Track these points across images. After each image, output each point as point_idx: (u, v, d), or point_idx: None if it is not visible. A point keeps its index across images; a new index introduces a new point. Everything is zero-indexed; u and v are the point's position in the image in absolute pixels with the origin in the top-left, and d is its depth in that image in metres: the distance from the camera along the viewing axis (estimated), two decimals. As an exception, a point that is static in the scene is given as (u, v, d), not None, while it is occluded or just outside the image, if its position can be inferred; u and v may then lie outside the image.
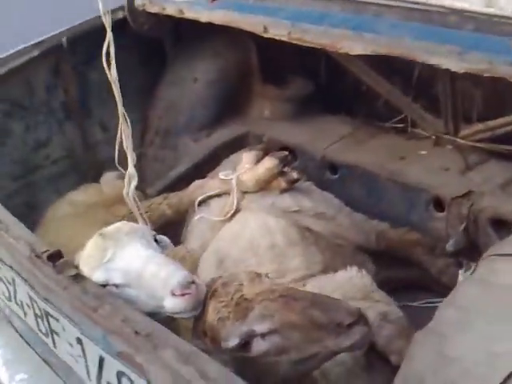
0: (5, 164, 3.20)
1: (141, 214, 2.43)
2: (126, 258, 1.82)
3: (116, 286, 1.80)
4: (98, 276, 1.81)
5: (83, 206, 2.86)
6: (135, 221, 2.44)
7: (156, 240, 1.97)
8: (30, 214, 3.12)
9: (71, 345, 1.81)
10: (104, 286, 1.80)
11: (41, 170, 3.36)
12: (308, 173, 3.15)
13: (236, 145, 3.42)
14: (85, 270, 1.85)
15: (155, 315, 1.79)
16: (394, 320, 2.18)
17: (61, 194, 3.16)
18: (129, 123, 2.31)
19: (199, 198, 2.80)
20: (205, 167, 3.25)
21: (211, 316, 1.65)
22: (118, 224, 1.98)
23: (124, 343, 1.56)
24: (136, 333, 1.55)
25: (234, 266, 2.38)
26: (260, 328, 1.56)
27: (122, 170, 2.38)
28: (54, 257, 1.83)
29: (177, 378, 1.42)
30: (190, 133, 3.60)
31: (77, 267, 1.86)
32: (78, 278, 1.77)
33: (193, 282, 1.71)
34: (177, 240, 2.87)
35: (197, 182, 2.94)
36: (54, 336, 1.90)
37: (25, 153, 3.30)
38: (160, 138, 3.69)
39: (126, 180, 2.33)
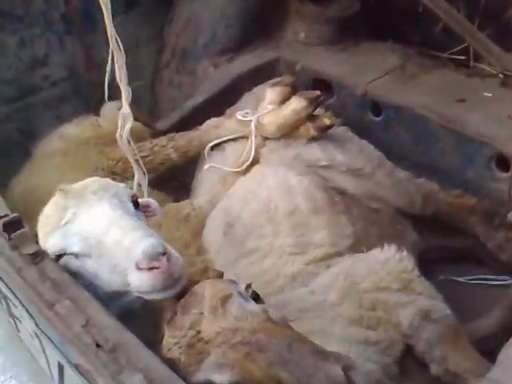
0: (-5, 84, 2.78)
1: (136, 160, 2.01)
2: (87, 221, 1.41)
3: (75, 255, 1.42)
4: (53, 243, 1.43)
5: (75, 142, 2.44)
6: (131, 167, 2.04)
7: (135, 203, 1.55)
8: (24, 142, 2.79)
9: (31, 336, 1.47)
10: (60, 256, 1.43)
11: (38, 92, 2.94)
12: (345, 112, 2.68)
13: (263, 73, 2.92)
14: (40, 234, 1.48)
15: (123, 297, 1.42)
16: (438, 319, 1.75)
17: (61, 121, 2.76)
18: (122, 50, 1.84)
19: (211, 144, 2.35)
20: (224, 99, 2.77)
21: (165, 347, 1.27)
22: (88, 180, 1.57)
23: (82, 356, 1.19)
24: (97, 346, 1.18)
25: (244, 233, 1.98)
26: (218, 378, 1.19)
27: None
28: (11, 226, 1.45)
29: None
30: (210, 56, 3.10)
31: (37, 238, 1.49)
32: (37, 257, 1.39)
33: (163, 254, 1.30)
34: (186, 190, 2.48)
35: (211, 122, 2.47)
36: (16, 321, 1.57)
37: (19, 72, 2.87)
38: (177, 61, 3.21)
39: (119, 121, 1.91)
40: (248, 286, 1.34)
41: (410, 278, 1.80)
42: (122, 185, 1.61)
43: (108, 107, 2.60)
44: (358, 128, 2.51)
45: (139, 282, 1.31)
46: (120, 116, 1.91)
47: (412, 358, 1.71)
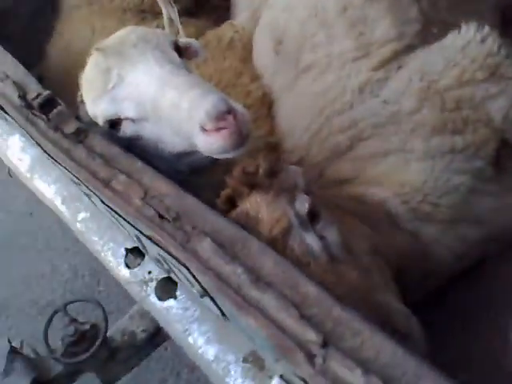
0: None
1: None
2: (136, 82, 1.30)
3: (131, 120, 1.34)
4: (104, 109, 1.35)
5: None
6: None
7: (178, 48, 1.40)
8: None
9: (104, 210, 1.46)
10: (116, 122, 1.36)
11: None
12: None
13: None
14: (88, 101, 1.40)
15: (191, 156, 1.36)
16: None
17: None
18: None
19: None
20: None
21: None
22: (122, 31, 1.41)
23: (149, 228, 1.15)
24: (160, 217, 1.13)
25: (297, 47, 1.75)
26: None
27: None
28: (47, 105, 1.36)
29: (220, 278, 1.04)
30: None
31: (78, 112, 1.40)
32: (80, 134, 1.31)
33: (228, 112, 1.19)
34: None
35: None
36: (89, 198, 1.56)
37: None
38: None
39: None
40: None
41: (496, 62, 1.52)
42: (159, 31, 1.45)
43: None
44: None
45: (207, 145, 1.22)
46: None
47: (508, 149, 1.53)
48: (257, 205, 1.19)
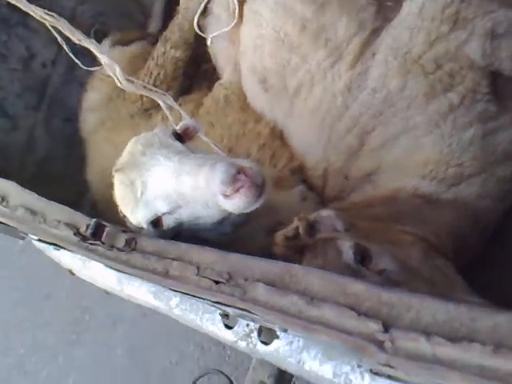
0: None
1: (149, 89, 1.98)
2: (157, 182, 1.48)
3: (168, 213, 1.52)
4: (143, 216, 1.53)
5: (102, 106, 2.43)
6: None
7: (178, 135, 1.58)
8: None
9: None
10: (157, 221, 1.53)
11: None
12: None
13: None
14: (128, 215, 1.58)
15: (230, 216, 1.50)
16: (507, 30, 1.51)
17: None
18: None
19: (196, 18, 2.20)
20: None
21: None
22: (129, 146, 1.61)
23: (213, 296, 1.30)
24: (216, 282, 1.28)
25: (280, 78, 1.88)
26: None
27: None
28: (98, 231, 1.56)
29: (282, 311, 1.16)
30: None
31: (123, 223, 1.60)
32: (131, 243, 1.50)
33: (239, 172, 1.33)
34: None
35: (183, -7, 2.30)
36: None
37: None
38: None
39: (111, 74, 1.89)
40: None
41: (454, 10, 1.56)
42: (158, 130, 1.63)
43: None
44: None
45: (234, 207, 1.37)
46: (106, 68, 1.89)
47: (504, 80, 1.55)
48: None
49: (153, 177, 1.49)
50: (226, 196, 1.34)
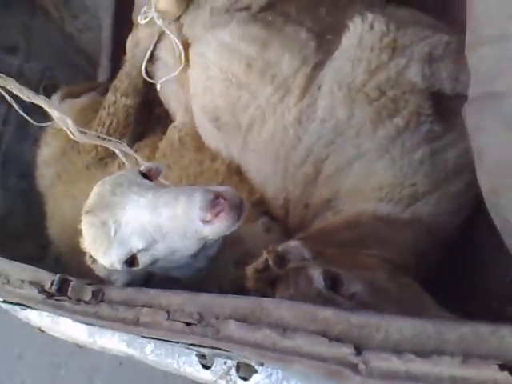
0: None
1: (103, 138, 2.00)
2: (131, 218, 1.48)
3: (144, 249, 1.50)
4: (117, 255, 1.51)
5: (55, 160, 2.41)
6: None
7: (144, 174, 1.59)
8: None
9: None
10: (132, 259, 1.52)
11: None
12: None
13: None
14: (99, 257, 1.55)
15: (205, 248, 1.51)
16: (444, 51, 1.62)
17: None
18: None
19: (143, 66, 2.24)
20: (124, 9, 2.58)
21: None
22: (95, 189, 1.60)
23: (186, 338, 1.30)
24: (188, 324, 1.28)
25: (232, 116, 1.93)
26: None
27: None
28: (63, 286, 1.55)
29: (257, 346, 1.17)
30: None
31: (91, 273, 1.59)
32: (98, 295, 1.49)
33: (217, 197, 1.35)
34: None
35: (129, 43, 2.34)
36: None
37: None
38: (64, 11, 2.99)
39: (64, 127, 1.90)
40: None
41: (392, 37, 1.65)
42: (124, 171, 1.66)
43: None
44: None
45: (215, 231, 1.38)
46: (58, 122, 1.90)
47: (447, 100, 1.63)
48: None
49: (127, 214, 1.48)
50: (205, 222, 1.35)
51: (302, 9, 1.91)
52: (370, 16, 1.68)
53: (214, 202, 1.33)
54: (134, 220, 1.46)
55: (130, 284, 1.59)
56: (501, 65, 0.93)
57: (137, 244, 1.49)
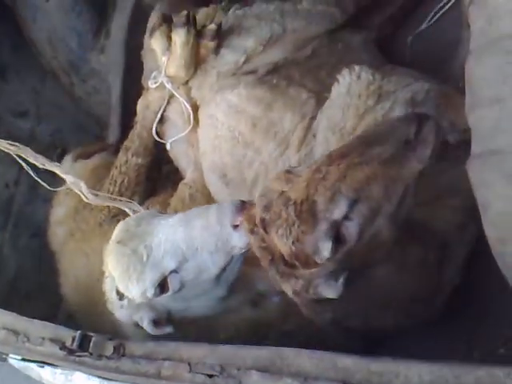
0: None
1: (115, 199, 2.09)
2: (163, 240, 1.56)
3: (175, 271, 1.57)
4: (151, 279, 1.57)
5: (69, 219, 2.48)
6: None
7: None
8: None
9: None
10: (163, 282, 1.58)
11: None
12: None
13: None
14: (133, 286, 1.60)
15: (228, 267, 1.60)
16: (425, 96, 1.75)
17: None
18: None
19: (154, 127, 2.35)
20: (134, 72, 2.69)
21: (281, 244, 1.32)
22: (118, 227, 1.68)
23: (209, 391, 1.33)
24: (210, 376, 1.32)
25: (238, 173, 2.03)
26: (338, 212, 1.27)
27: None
28: (84, 342, 1.58)
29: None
30: (89, 47, 2.96)
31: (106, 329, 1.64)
32: (119, 349, 1.53)
33: (243, 202, 1.51)
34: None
35: (140, 105, 2.46)
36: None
37: None
38: (72, 75, 3.10)
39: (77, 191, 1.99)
40: None
41: (378, 85, 1.79)
42: (143, 212, 1.81)
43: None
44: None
45: (242, 239, 1.49)
46: (71, 186, 1.99)
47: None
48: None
49: (157, 236, 1.56)
50: (235, 227, 1.47)
51: (304, 72, 2.07)
52: (356, 68, 1.84)
53: (243, 206, 1.47)
54: (166, 240, 1.55)
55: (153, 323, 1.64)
56: (499, 124, 1.02)
57: (169, 264, 1.56)
